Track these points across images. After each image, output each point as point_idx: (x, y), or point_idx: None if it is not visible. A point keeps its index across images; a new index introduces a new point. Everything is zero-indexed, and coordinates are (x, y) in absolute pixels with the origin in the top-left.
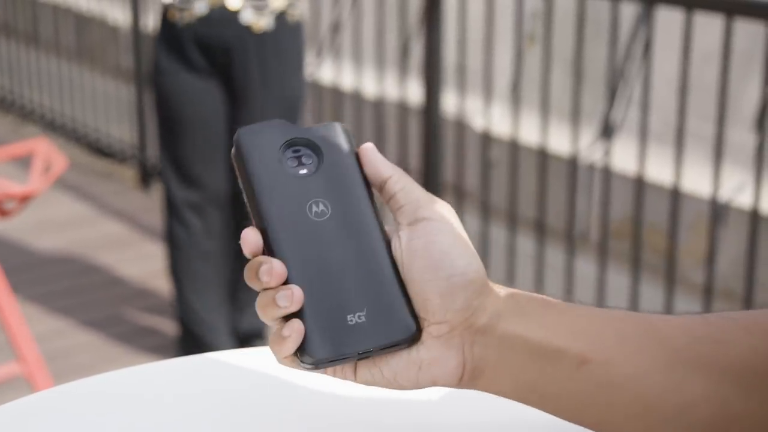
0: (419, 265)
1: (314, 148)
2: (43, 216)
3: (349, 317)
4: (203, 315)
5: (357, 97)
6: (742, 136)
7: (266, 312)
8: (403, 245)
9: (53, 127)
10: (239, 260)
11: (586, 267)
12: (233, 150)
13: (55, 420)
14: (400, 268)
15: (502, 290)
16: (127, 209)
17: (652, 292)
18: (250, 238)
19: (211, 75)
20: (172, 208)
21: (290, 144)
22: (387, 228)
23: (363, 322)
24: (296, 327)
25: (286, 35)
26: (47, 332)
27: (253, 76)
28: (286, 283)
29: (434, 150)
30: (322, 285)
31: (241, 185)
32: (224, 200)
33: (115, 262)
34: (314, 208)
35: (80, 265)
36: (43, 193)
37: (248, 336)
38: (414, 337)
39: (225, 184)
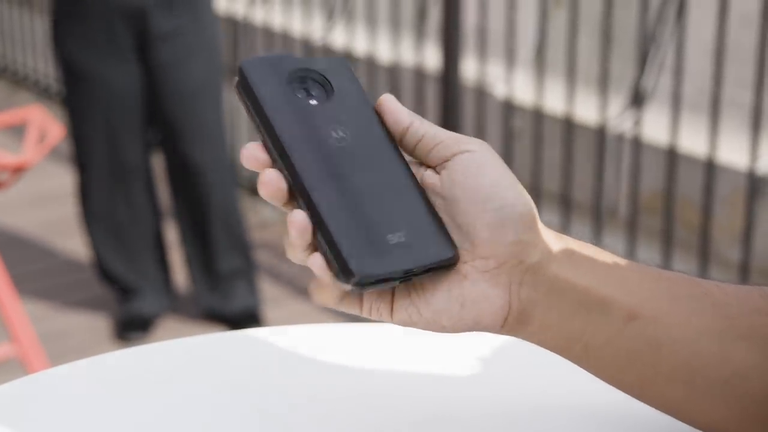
0: (466, 197)
1: (320, 79)
2: (37, 188)
3: (389, 236)
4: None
5: (371, 63)
6: None
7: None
8: (444, 179)
9: (48, 94)
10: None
11: (614, 244)
12: (237, 81)
13: (52, 402)
14: (440, 203)
15: (551, 231)
16: None
17: (684, 270)
18: (271, 179)
19: None
20: None
21: (296, 75)
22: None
23: (404, 241)
24: (317, 262)
25: None
26: (42, 312)
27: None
28: (314, 210)
29: (453, 119)
30: (356, 208)
31: (251, 117)
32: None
33: None
34: (334, 135)
35: (77, 241)
36: (37, 164)
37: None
38: (456, 258)
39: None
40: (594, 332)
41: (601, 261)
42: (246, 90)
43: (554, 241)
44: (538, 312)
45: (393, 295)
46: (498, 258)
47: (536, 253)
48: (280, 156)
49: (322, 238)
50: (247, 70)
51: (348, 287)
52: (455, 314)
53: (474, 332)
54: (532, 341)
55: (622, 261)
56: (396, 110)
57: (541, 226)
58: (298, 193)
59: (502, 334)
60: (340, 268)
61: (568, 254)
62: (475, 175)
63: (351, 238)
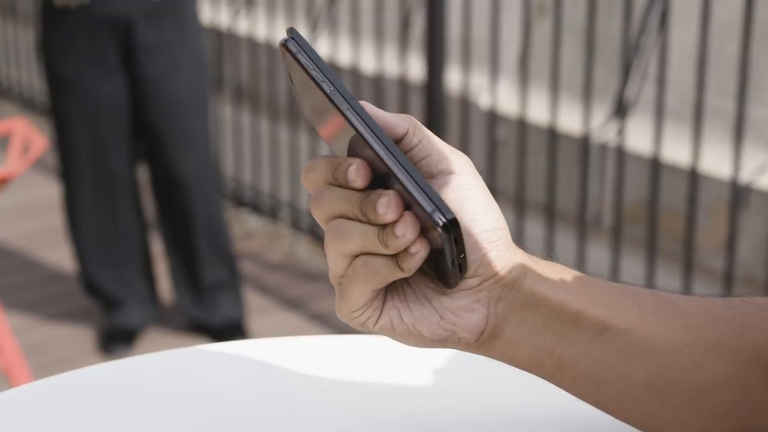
0: None
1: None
2: (20, 200)
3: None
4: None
5: (355, 74)
6: (764, 113)
7: (377, 248)
8: None
9: (32, 105)
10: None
11: (598, 253)
12: (289, 50)
13: (35, 415)
14: None
15: (520, 249)
16: None
17: (668, 280)
18: (362, 169)
19: None
20: None
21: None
22: None
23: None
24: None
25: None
26: (26, 323)
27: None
28: (399, 178)
29: (437, 129)
30: (417, 174)
31: (310, 87)
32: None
33: None
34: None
35: (60, 253)
36: (21, 175)
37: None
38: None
39: None
40: (567, 346)
41: (570, 277)
42: (304, 61)
43: (526, 258)
44: (510, 326)
45: (384, 301)
46: (480, 277)
47: (514, 270)
48: (363, 132)
49: (410, 197)
50: (299, 40)
51: (440, 225)
52: (434, 324)
53: (445, 350)
54: (503, 359)
55: (587, 276)
56: (384, 116)
57: (513, 244)
58: (382, 167)
59: (473, 351)
60: (430, 212)
61: (540, 270)
62: (462, 199)
63: (429, 191)
